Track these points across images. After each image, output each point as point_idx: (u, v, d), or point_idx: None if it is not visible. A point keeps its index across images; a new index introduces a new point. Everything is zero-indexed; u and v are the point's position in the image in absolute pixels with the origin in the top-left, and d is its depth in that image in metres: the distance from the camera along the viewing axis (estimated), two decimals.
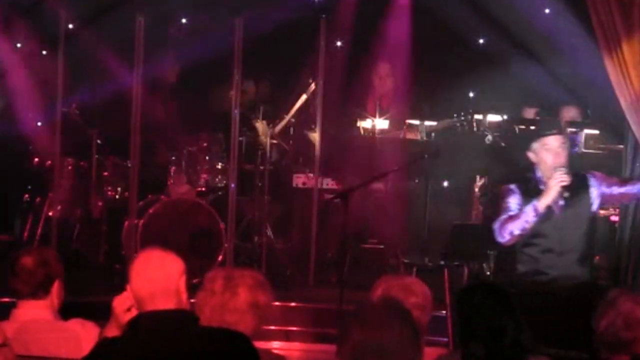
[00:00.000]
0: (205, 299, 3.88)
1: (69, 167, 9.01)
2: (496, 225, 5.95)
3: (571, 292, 5.81)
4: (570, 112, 8.58)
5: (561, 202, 5.99)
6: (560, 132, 6.07)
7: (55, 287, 4.50)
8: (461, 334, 3.84)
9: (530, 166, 6.12)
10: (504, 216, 5.96)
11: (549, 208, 5.92)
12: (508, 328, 3.75)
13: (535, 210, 5.85)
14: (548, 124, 6.30)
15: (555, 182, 5.86)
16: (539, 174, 6.07)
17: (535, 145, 6.05)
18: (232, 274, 3.95)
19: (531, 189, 6.00)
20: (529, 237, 5.98)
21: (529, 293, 5.70)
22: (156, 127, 9.00)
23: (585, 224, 6.02)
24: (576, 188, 5.98)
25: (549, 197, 5.87)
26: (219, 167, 9.09)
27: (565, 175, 5.87)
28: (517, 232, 5.89)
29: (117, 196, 9.03)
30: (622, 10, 6.97)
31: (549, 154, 5.99)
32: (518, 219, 5.89)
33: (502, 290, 3.91)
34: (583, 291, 5.75)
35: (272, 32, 9.30)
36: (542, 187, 5.97)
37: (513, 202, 5.99)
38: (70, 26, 8.95)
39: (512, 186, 6.06)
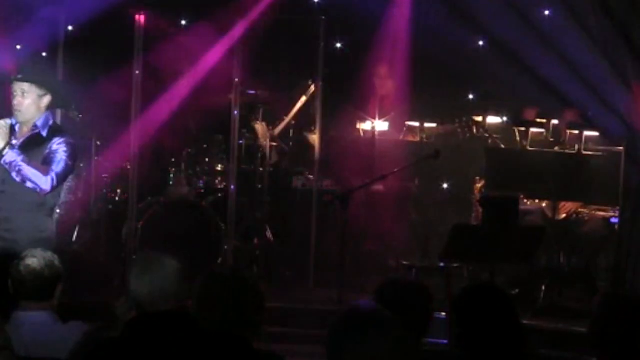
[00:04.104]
0: (208, 306, 3.83)
1: None
2: None
3: None
4: (571, 114, 8.59)
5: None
6: (23, 80, 5.77)
7: (58, 290, 4.51)
8: (459, 335, 3.83)
9: None
10: None
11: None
12: (507, 330, 3.75)
13: None
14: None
15: None
16: None
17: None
18: (226, 277, 3.93)
19: None
20: None
21: None
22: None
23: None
24: (30, 144, 5.73)
25: None
26: (219, 168, 9.09)
27: None
28: None
29: (116, 198, 9.04)
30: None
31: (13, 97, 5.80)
32: None
33: (501, 292, 3.91)
34: None
35: (272, 33, 9.29)
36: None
37: None
38: (70, 28, 8.95)
39: None
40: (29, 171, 5.63)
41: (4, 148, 5.63)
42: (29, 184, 5.66)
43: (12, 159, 5.63)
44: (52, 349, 4.33)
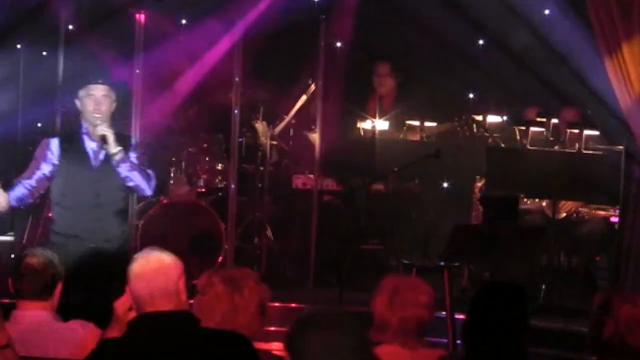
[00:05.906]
0: (212, 305, 3.85)
1: None
2: None
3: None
4: (570, 113, 8.59)
5: (101, 156, 5.83)
6: (104, 83, 5.86)
7: (58, 289, 4.51)
8: (468, 333, 3.81)
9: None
10: None
11: (86, 160, 5.81)
12: (518, 331, 3.76)
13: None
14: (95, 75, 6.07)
15: (99, 129, 5.71)
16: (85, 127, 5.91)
17: (81, 92, 5.88)
18: (231, 276, 3.94)
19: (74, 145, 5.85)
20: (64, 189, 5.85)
21: None
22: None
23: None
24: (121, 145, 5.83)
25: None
26: (219, 167, 9.09)
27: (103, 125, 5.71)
28: None
29: None
30: (622, 11, 6.98)
31: (90, 101, 5.82)
32: None
33: (522, 291, 3.90)
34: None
35: (272, 33, 9.29)
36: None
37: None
38: (71, 27, 8.95)
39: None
40: (138, 177, 5.79)
41: (118, 152, 5.72)
42: (130, 184, 5.78)
43: (129, 162, 5.76)
44: (52, 348, 4.33)
